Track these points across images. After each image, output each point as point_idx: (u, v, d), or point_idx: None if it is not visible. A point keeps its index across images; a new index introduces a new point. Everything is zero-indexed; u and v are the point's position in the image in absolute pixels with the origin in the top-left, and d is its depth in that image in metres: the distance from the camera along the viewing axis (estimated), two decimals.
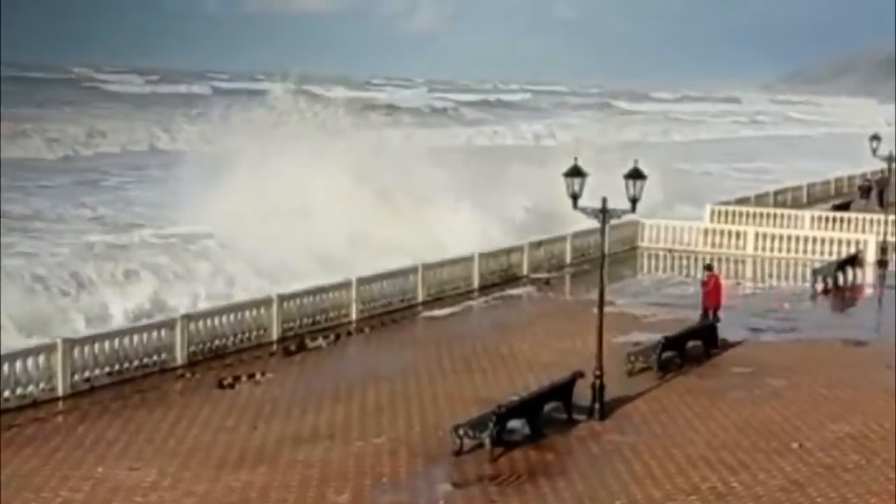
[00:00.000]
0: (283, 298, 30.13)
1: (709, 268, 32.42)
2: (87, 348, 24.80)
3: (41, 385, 23.74)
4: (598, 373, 23.29)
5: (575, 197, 23.26)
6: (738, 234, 47.57)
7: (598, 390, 23.30)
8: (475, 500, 18.82)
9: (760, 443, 21.91)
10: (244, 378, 25.82)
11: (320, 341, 29.67)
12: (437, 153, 59.16)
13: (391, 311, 33.34)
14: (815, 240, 46.23)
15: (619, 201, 23.24)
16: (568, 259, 42.47)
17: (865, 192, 64.97)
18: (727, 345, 29.85)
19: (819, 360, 28.91)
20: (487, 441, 20.72)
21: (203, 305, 33.29)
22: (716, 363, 28.33)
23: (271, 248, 41.91)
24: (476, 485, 19.46)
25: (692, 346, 28.67)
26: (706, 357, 28.62)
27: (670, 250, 46.38)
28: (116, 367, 25.37)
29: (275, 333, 29.54)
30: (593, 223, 24.27)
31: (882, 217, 49.01)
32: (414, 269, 35.15)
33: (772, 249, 46.24)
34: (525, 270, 40.16)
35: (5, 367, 23.03)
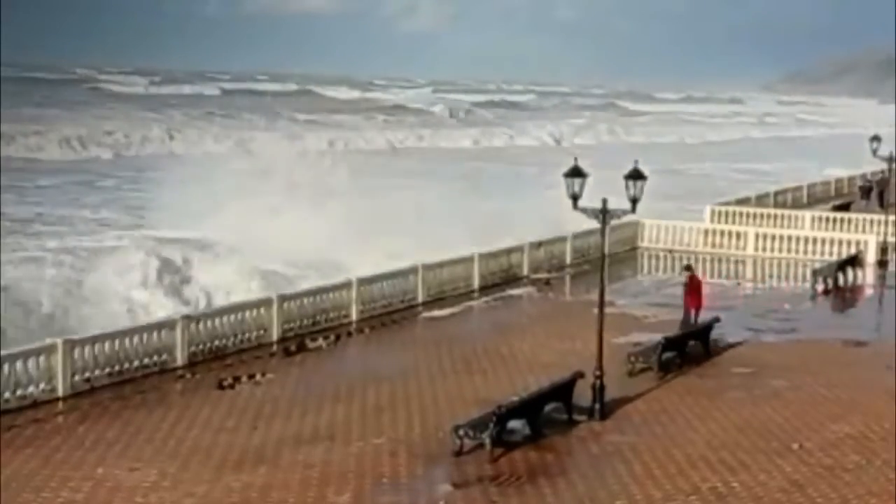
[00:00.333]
0: (283, 299, 30.14)
1: (688, 268, 32.15)
2: (87, 349, 24.78)
3: (41, 386, 23.73)
4: (598, 373, 23.29)
5: (575, 198, 23.26)
6: (738, 235, 47.57)
7: (599, 391, 23.30)
8: (475, 500, 18.82)
9: (760, 443, 21.91)
10: (244, 378, 25.82)
11: (320, 342, 29.67)
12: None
13: (391, 311, 33.34)
14: (815, 240, 46.23)
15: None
16: (568, 259, 42.47)
17: (866, 192, 64.98)
18: (727, 345, 29.87)
19: (819, 361, 28.91)
20: (488, 441, 20.72)
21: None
22: (716, 363, 28.33)
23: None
24: (476, 485, 19.45)
25: (692, 347, 28.70)
26: (706, 357, 28.62)
27: (670, 251, 46.37)
28: (117, 367, 25.36)
29: (275, 334, 29.54)
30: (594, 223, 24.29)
31: (882, 217, 48.97)
32: (414, 270, 35.15)
33: (772, 250, 46.24)
34: (525, 271, 40.16)
35: (6, 368, 23.02)
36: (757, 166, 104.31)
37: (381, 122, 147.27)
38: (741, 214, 53.11)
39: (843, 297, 39.38)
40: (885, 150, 48.41)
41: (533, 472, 20.12)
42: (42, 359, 23.80)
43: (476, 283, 37.49)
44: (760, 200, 58.48)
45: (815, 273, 39.73)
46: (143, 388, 25.06)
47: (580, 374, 23.42)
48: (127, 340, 25.78)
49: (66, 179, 78.72)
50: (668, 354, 27.48)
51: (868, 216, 51.92)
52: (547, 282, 39.55)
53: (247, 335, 28.84)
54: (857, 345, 31.30)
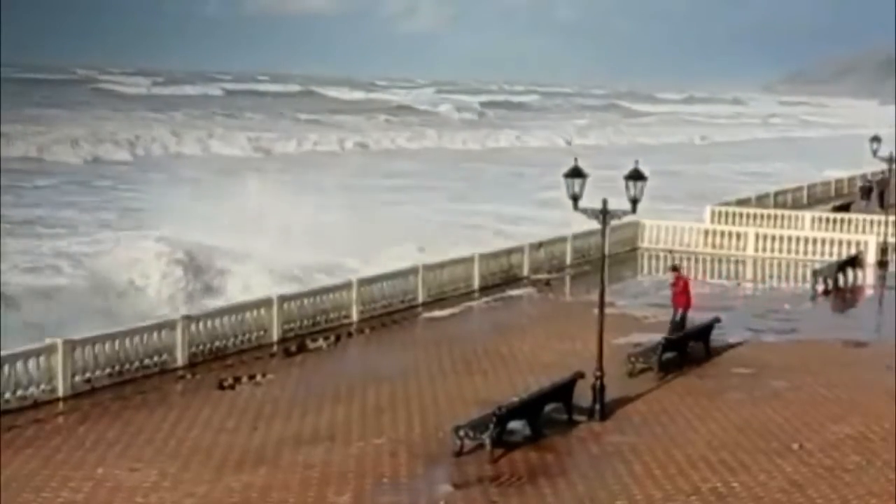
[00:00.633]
0: (283, 299, 30.14)
1: (675, 268, 31.82)
2: (87, 349, 24.78)
3: (42, 386, 23.74)
4: (598, 374, 23.29)
5: (575, 198, 23.26)
6: (738, 235, 47.58)
7: (599, 391, 23.30)
8: (476, 501, 18.83)
9: (761, 444, 21.92)
10: (245, 379, 25.83)
11: (321, 342, 29.68)
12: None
13: (392, 311, 33.35)
14: (815, 241, 46.24)
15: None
16: (568, 260, 42.48)
17: (866, 193, 64.96)
18: (728, 346, 29.88)
19: (820, 361, 28.91)
20: (488, 442, 20.72)
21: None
22: (716, 364, 28.34)
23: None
24: (476, 486, 19.46)
25: (692, 347, 28.71)
26: (706, 358, 28.63)
27: (671, 251, 46.33)
28: (117, 368, 25.36)
29: (275, 334, 29.54)
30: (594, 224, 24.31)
31: (882, 218, 48.96)
32: (414, 270, 35.17)
33: (772, 250, 46.25)
34: (525, 271, 40.17)
35: (6, 369, 23.04)
36: (764, 167, 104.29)
37: (387, 123, 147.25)
38: (741, 215, 53.12)
39: (844, 297, 39.40)
40: (885, 150, 48.42)
41: (533, 473, 20.12)
42: (42, 359, 23.81)
43: (476, 284, 37.50)
44: (760, 201, 58.49)
45: (815, 273, 39.73)
46: (144, 388, 25.06)
47: (580, 375, 23.43)
48: (127, 341, 25.78)
49: (85, 179, 78.94)
50: (668, 355, 27.49)
51: (868, 217, 51.92)
52: (547, 282, 39.56)
53: (247, 336, 28.85)
54: (858, 345, 31.31)
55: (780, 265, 45.03)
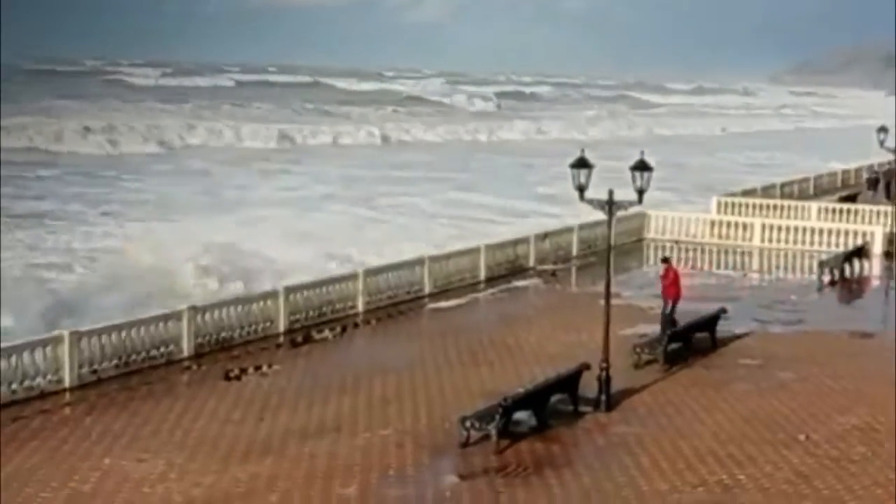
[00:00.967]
0: (289, 290, 30.16)
1: (666, 260, 31.53)
2: (93, 340, 24.84)
3: (48, 377, 23.81)
4: (604, 365, 23.29)
5: (581, 189, 23.25)
6: (744, 226, 47.52)
7: (605, 382, 23.30)
8: (481, 492, 18.84)
9: (767, 435, 21.91)
10: (251, 370, 25.86)
11: (327, 333, 29.69)
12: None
13: (398, 302, 33.36)
14: (821, 231, 46.15)
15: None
16: (574, 251, 42.47)
17: (873, 183, 64.86)
18: (734, 337, 29.84)
19: (826, 352, 28.88)
20: (494, 433, 20.73)
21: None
22: (722, 355, 28.31)
23: None
24: (482, 477, 19.47)
25: (698, 339, 28.69)
26: (712, 349, 28.62)
27: (677, 242, 46.35)
28: (123, 358, 25.42)
29: (281, 325, 29.57)
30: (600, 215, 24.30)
31: (889, 209, 48.74)
32: (420, 261, 35.18)
33: (778, 241, 46.17)
34: (531, 262, 40.17)
35: (13, 359, 23.09)
36: (776, 158, 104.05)
37: (400, 114, 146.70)
38: (747, 205, 53.05)
39: (850, 288, 39.34)
40: (892, 141, 48.30)
41: (539, 464, 20.13)
42: (49, 350, 23.87)
43: (482, 275, 37.51)
44: (767, 191, 58.40)
45: (821, 264, 39.68)
46: (150, 379, 25.10)
47: (586, 366, 23.42)
48: (133, 332, 25.83)
49: (111, 170, 79.21)
50: (674, 346, 27.48)
51: (875, 207, 51.77)
52: (553, 273, 39.55)
53: (253, 327, 28.88)
54: (864, 336, 31.28)
55: (786, 256, 44.98)
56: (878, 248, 44.09)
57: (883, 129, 48.66)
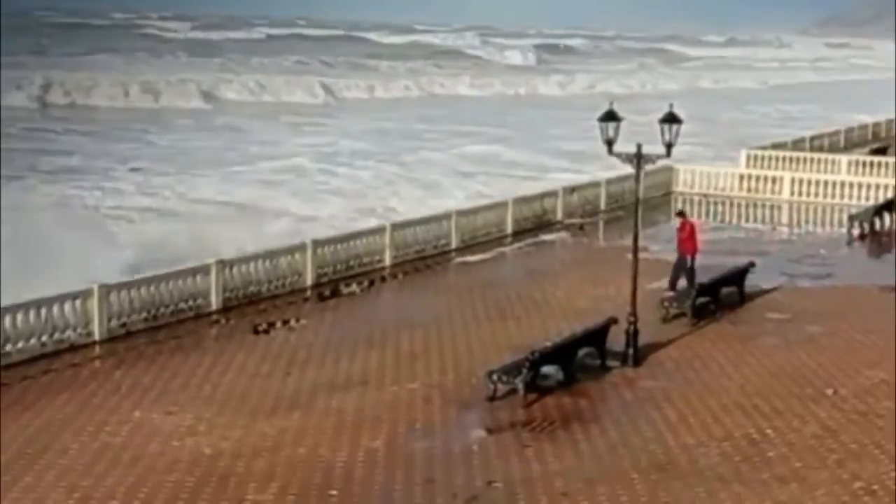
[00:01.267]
0: (316, 244, 30.20)
1: (681, 213, 31.28)
2: (122, 293, 24.99)
3: (78, 330, 23.98)
4: (631, 319, 23.25)
5: (610, 143, 23.14)
6: (774, 180, 47.24)
7: (632, 336, 23.27)
8: (508, 445, 18.88)
9: (794, 389, 21.87)
10: (278, 324, 25.95)
11: (354, 287, 29.74)
12: None
13: (425, 257, 33.37)
14: (851, 185, 45.84)
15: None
16: (602, 205, 42.36)
17: None
18: (762, 291, 29.73)
19: (855, 307, 28.76)
20: (521, 387, 20.76)
21: None
22: (750, 309, 28.23)
23: None
24: (509, 430, 19.52)
25: (726, 293, 28.61)
26: (740, 303, 28.53)
27: (705, 195, 46.17)
28: (152, 312, 25.57)
29: (309, 279, 29.64)
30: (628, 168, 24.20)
31: None
32: (448, 216, 35.17)
33: (808, 195, 45.90)
34: (559, 216, 40.09)
35: (43, 312, 23.27)
36: (818, 111, 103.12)
37: (438, 68, 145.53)
38: (777, 159, 52.68)
39: (880, 242, 39.06)
40: None
41: (566, 418, 20.16)
42: (78, 303, 24.02)
43: (509, 229, 37.47)
44: (796, 145, 57.98)
45: (851, 218, 39.44)
46: (179, 332, 25.24)
47: (614, 320, 23.39)
48: (162, 285, 25.96)
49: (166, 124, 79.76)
50: (701, 300, 27.40)
51: None
52: (580, 227, 39.48)
53: (281, 281, 28.96)
54: (893, 290, 31.06)
55: (815, 210, 44.73)
56: None
57: None
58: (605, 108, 23.42)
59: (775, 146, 55.89)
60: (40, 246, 31.60)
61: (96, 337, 24.22)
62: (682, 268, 29.38)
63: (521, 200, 39.00)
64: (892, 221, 40.60)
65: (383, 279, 30.95)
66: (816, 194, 45.78)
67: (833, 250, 36.86)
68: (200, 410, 20.14)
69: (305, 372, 22.51)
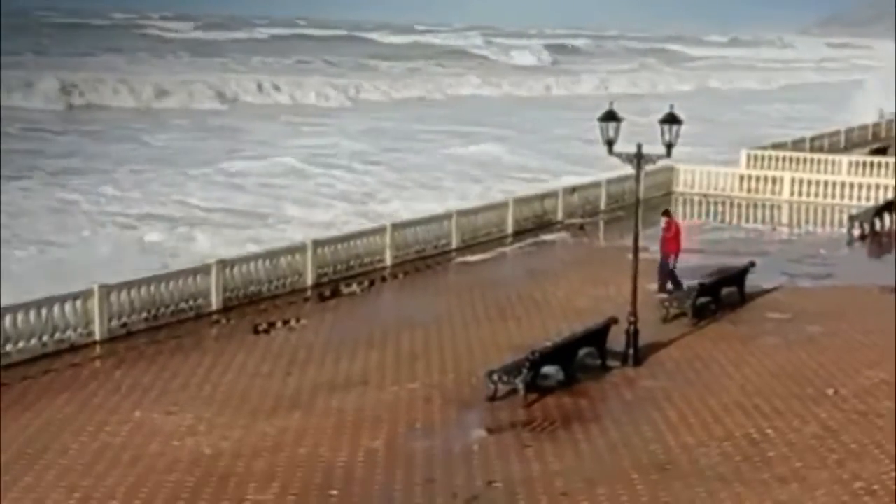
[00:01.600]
0: (317, 244, 30.20)
1: (666, 213, 30.76)
2: (123, 294, 24.98)
3: (79, 330, 23.97)
4: (632, 319, 23.24)
5: (610, 143, 23.13)
6: (774, 180, 47.23)
7: (633, 336, 23.27)
8: (508, 445, 18.88)
9: (795, 389, 21.86)
10: (279, 324, 25.94)
11: (354, 287, 29.74)
12: None
13: (425, 256, 33.37)
14: (852, 185, 45.83)
15: None
16: (602, 205, 42.36)
17: None
18: (762, 291, 29.72)
19: (855, 307, 28.76)
20: (521, 387, 20.76)
21: None
22: (750, 309, 28.22)
23: None
24: (509, 430, 19.52)
25: (727, 293, 28.60)
26: (741, 303, 28.53)
27: (705, 195, 46.18)
28: (152, 312, 25.56)
29: (309, 279, 29.63)
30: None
31: None
32: (448, 216, 35.18)
33: (808, 195, 45.90)
34: (559, 216, 40.08)
35: (43, 312, 23.26)
36: (823, 112, 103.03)
37: (443, 68, 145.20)
38: (777, 159, 52.65)
39: (880, 242, 39.06)
40: None
41: (566, 418, 20.16)
42: (79, 303, 24.01)
43: (510, 229, 37.46)
44: (797, 145, 57.96)
45: (851, 218, 39.43)
46: (179, 332, 25.24)
47: (614, 320, 23.38)
48: (162, 285, 25.96)
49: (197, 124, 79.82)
50: (702, 300, 27.40)
51: None
52: (581, 227, 39.47)
53: (281, 280, 28.95)
54: (894, 290, 31.05)
55: (816, 210, 44.72)
56: None
57: None
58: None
59: (775, 146, 55.88)
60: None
61: (97, 337, 24.21)
62: (665, 267, 29.24)
63: (522, 200, 39.01)
64: (892, 222, 40.60)
65: (384, 279, 30.95)
66: (817, 194, 45.77)
67: (833, 250, 36.86)
68: (201, 410, 20.13)
69: (306, 372, 22.50)
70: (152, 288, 25.71)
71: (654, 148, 23.19)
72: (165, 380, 21.87)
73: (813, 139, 60.78)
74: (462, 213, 35.76)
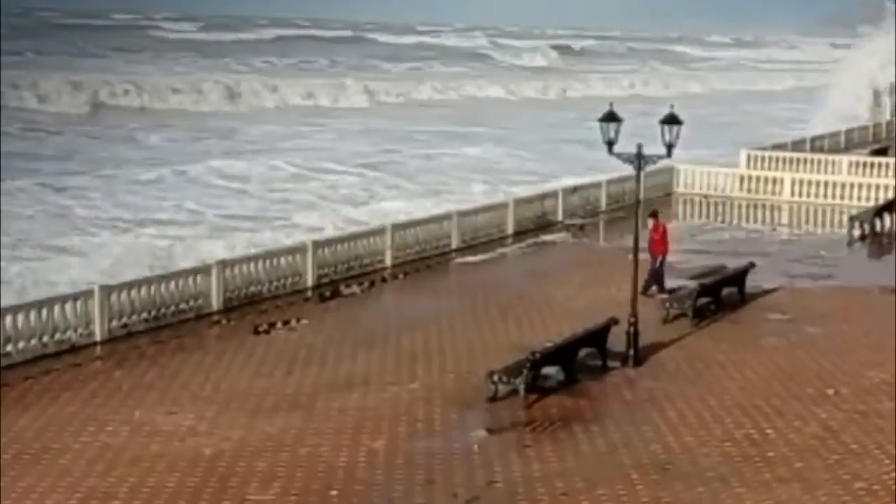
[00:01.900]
0: (317, 245, 30.23)
1: (654, 215, 30.03)
2: (123, 294, 24.99)
3: (79, 330, 23.98)
4: (632, 319, 23.25)
5: (610, 143, 23.15)
6: (774, 181, 47.23)
7: (633, 337, 23.28)
8: (509, 445, 18.88)
9: (795, 390, 21.87)
10: (279, 324, 25.95)
11: (355, 288, 29.75)
12: None
13: (425, 257, 33.37)
14: (852, 185, 45.82)
15: None
16: (603, 205, 42.37)
17: None
18: (763, 291, 29.73)
19: (856, 307, 28.77)
20: (522, 387, 20.76)
21: None
22: (751, 310, 28.24)
23: None
24: (510, 431, 19.53)
25: (727, 293, 28.61)
26: (741, 304, 28.54)
27: (706, 196, 46.18)
28: (153, 312, 25.58)
29: (310, 280, 29.65)
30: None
31: None
32: (448, 216, 35.19)
33: (808, 195, 45.89)
34: (560, 216, 40.09)
35: (44, 313, 23.28)
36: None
37: (450, 69, 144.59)
38: (777, 160, 52.62)
39: (881, 243, 39.07)
40: None
41: (567, 418, 20.16)
42: (79, 304, 24.03)
43: (510, 229, 37.47)
44: (797, 146, 57.96)
45: (851, 219, 39.43)
46: (180, 333, 25.25)
47: (614, 321, 23.38)
48: (163, 286, 25.98)
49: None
50: (702, 300, 27.40)
51: None
52: (581, 227, 39.49)
53: (282, 281, 28.97)
54: (894, 291, 31.05)
55: (816, 210, 44.74)
56: None
57: None
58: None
59: (776, 147, 55.87)
60: None
61: (97, 337, 24.22)
62: (655, 269, 29.15)
63: (522, 200, 39.04)
64: (892, 222, 40.60)
65: (384, 280, 30.96)
66: (817, 195, 45.78)
67: (833, 251, 36.86)
68: (201, 411, 20.15)
69: (306, 372, 22.52)
70: (153, 288, 25.72)
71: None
72: (166, 380, 21.88)
73: (813, 140, 60.78)
74: (462, 214, 35.78)
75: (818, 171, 50.63)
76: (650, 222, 29.68)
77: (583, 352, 22.85)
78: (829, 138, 62.84)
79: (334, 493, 16.89)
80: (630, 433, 19.51)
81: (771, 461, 18.28)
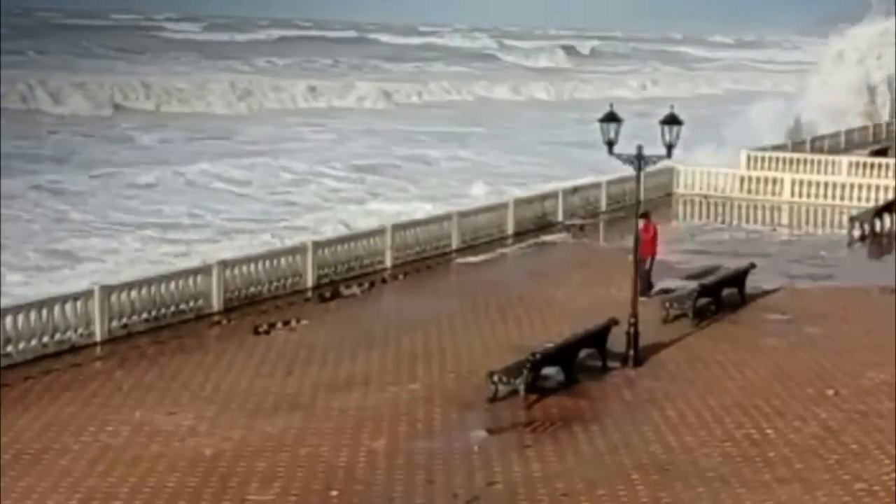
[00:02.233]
0: (317, 245, 30.23)
1: (645, 216, 29.02)
2: (123, 295, 24.99)
3: (79, 330, 23.98)
4: (632, 320, 23.26)
5: (610, 143, 23.16)
6: (774, 181, 47.22)
7: (633, 337, 23.28)
8: (509, 446, 18.89)
9: (795, 390, 21.87)
10: (279, 325, 25.95)
11: (355, 288, 29.75)
12: None
13: (425, 258, 33.37)
14: (852, 186, 45.80)
15: None
16: (603, 206, 42.37)
17: None
18: (763, 292, 29.73)
19: (856, 308, 28.78)
20: (522, 388, 20.77)
21: None
22: (751, 310, 28.24)
23: None
24: (510, 431, 19.53)
25: (727, 294, 28.62)
26: (741, 304, 28.54)
27: (706, 197, 46.18)
28: (153, 313, 25.57)
29: (310, 280, 29.64)
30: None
31: None
32: (448, 217, 35.19)
33: (808, 196, 45.88)
34: (560, 217, 40.09)
35: (44, 313, 23.28)
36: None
37: (455, 70, 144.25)
38: (777, 160, 52.62)
39: (881, 243, 39.07)
40: None
41: (567, 419, 20.17)
42: (79, 304, 24.03)
43: (510, 230, 37.47)
44: (797, 146, 57.97)
45: (851, 219, 39.43)
46: (180, 333, 25.25)
47: (615, 321, 23.39)
48: (163, 286, 25.96)
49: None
50: (703, 301, 27.41)
51: None
52: (581, 228, 39.49)
53: (282, 281, 28.96)
54: (894, 291, 31.06)
55: (816, 211, 44.74)
56: None
57: None
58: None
59: (776, 147, 55.89)
60: None
61: (97, 338, 24.22)
62: (645, 270, 29.01)
63: (522, 201, 39.04)
64: (892, 223, 40.60)
65: (384, 280, 30.96)
66: (817, 196, 45.76)
67: (834, 252, 36.88)
68: (202, 411, 20.15)
69: (306, 372, 22.52)
70: (153, 289, 25.72)
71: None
72: (166, 380, 21.88)
73: (813, 140, 60.81)
74: (462, 214, 35.78)
75: (818, 172, 50.60)
76: (640, 223, 29.41)
77: (583, 352, 22.85)
78: (829, 139, 62.86)
79: (334, 493, 16.89)
80: (630, 433, 19.51)
81: (771, 461, 18.29)
